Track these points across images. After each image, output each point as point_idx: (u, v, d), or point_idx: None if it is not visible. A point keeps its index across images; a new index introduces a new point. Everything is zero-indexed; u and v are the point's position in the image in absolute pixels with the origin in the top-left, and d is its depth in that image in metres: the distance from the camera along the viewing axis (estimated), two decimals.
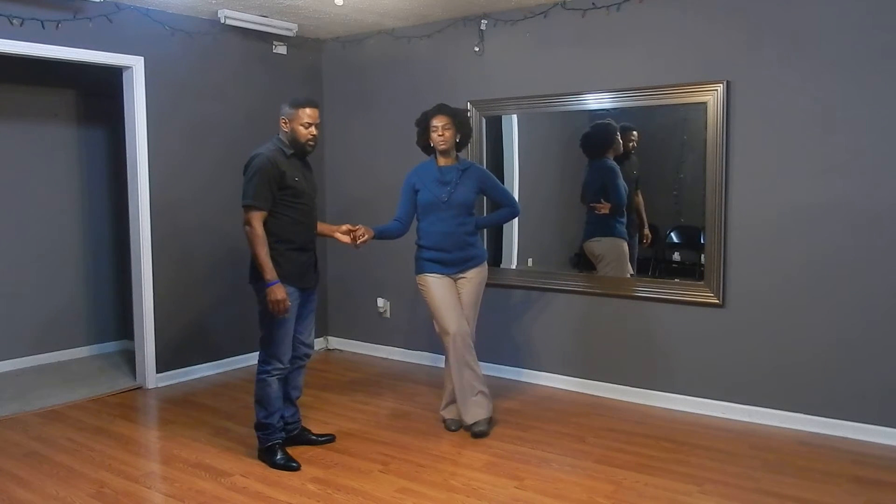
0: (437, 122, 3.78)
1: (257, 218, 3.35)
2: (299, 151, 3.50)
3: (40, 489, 3.27)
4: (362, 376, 5.09)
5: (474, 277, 3.88)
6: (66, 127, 5.52)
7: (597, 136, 4.53)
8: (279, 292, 3.34)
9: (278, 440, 3.54)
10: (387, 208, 4.84)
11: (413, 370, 5.22)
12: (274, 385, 3.51)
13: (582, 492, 3.26)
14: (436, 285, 3.82)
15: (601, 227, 4.59)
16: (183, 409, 4.40)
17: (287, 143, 3.48)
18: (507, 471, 3.43)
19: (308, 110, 3.44)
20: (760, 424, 3.98)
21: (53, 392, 4.67)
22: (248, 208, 3.36)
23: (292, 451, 3.57)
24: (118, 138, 5.17)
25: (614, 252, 4.57)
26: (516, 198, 4.36)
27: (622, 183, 4.48)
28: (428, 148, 3.89)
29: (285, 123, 3.47)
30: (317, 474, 3.41)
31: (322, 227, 3.75)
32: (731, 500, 3.11)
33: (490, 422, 3.91)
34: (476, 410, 3.83)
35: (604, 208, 4.51)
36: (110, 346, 5.79)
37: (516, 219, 4.49)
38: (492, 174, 4.09)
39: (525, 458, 3.59)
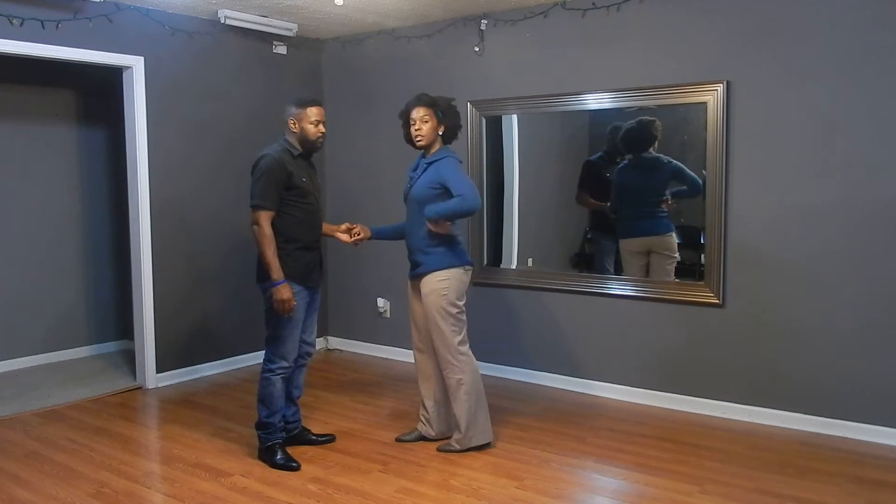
0: (415, 114, 3.47)
1: (265, 218, 3.38)
2: (308, 150, 3.53)
3: (40, 489, 3.27)
4: (362, 376, 5.09)
5: (425, 288, 3.50)
6: (66, 127, 5.51)
7: (643, 131, 4.36)
8: (285, 292, 3.36)
9: (278, 440, 3.55)
10: (386, 208, 4.84)
11: (413, 370, 5.16)
12: (278, 384, 3.52)
13: (582, 492, 3.27)
14: (409, 295, 3.73)
15: (667, 223, 4.40)
16: (183, 409, 4.40)
17: (295, 143, 3.51)
18: (507, 471, 3.43)
19: (315, 108, 3.48)
20: (760, 424, 3.98)
21: (53, 392, 4.67)
22: (255, 208, 3.39)
23: (292, 450, 3.57)
24: (118, 138, 5.17)
25: (674, 247, 4.40)
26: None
27: None
28: (413, 142, 3.55)
29: (294, 124, 3.49)
30: (317, 474, 3.41)
31: (324, 226, 3.75)
32: (731, 500, 3.11)
33: (416, 437, 3.80)
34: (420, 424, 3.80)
35: (665, 203, 4.38)
36: (110, 346, 5.79)
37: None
38: (456, 166, 3.46)
39: (525, 458, 3.59)
